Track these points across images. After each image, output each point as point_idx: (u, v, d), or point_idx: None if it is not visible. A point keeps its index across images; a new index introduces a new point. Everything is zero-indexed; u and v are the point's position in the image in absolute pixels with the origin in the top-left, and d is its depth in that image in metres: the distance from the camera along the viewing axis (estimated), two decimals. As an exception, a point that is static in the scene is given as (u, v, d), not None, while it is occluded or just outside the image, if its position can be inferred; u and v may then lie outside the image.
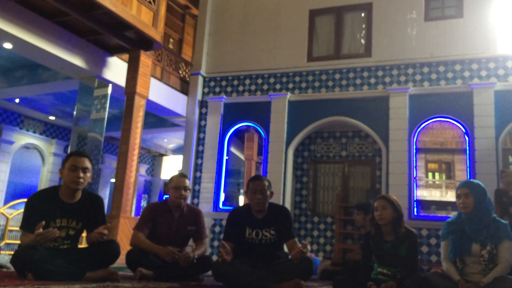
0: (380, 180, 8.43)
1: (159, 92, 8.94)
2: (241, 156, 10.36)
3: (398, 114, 8.08)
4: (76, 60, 7.22)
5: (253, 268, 3.22)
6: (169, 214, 3.70)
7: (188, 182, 3.74)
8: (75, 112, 8.20)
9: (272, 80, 9.18)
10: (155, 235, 3.64)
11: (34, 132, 12.02)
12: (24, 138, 11.71)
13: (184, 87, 9.84)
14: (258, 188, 3.47)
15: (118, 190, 7.28)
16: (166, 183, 13.23)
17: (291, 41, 9.20)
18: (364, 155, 9.04)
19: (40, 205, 3.01)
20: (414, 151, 7.97)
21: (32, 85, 9.09)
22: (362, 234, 5.34)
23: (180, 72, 9.96)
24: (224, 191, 9.26)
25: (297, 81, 8.99)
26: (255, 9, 9.71)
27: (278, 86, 9.09)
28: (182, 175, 3.79)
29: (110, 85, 7.95)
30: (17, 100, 10.51)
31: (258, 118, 9.04)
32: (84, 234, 3.28)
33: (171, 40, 11.51)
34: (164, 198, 13.10)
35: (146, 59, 7.72)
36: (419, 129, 8.04)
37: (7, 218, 6.64)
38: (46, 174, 12.26)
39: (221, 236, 3.85)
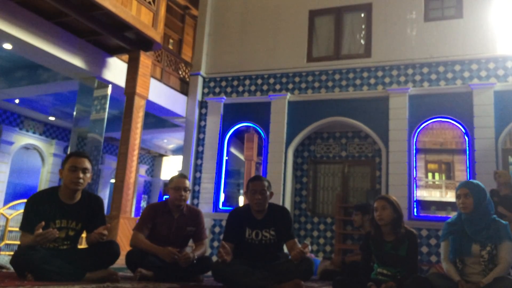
0: (380, 181, 8.43)
1: (159, 93, 8.94)
2: (241, 157, 10.36)
3: (398, 115, 8.08)
4: (76, 61, 7.22)
5: (253, 268, 3.22)
6: (169, 215, 3.70)
7: (188, 183, 3.74)
8: (75, 113, 8.20)
9: (271, 80, 9.18)
10: (155, 236, 3.64)
11: (34, 132, 12.02)
12: (24, 139, 11.71)
13: (184, 88, 9.84)
14: (257, 188, 3.47)
15: (118, 191, 7.27)
16: (166, 184, 13.22)
17: (291, 42, 9.20)
18: (364, 156, 9.04)
19: (40, 206, 3.01)
20: (414, 151, 7.97)
21: (32, 86, 9.09)
22: (362, 234, 5.34)
23: (180, 72, 9.96)
24: (224, 192, 9.26)
25: (297, 81, 8.99)
26: (255, 10, 9.72)
27: (277, 87, 9.09)
28: (182, 176, 3.79)
29: (110, 85, 7.95)
30: (17, 101, 10.51)
31: (258, 118, 9.04)
32: (84, 235, 3.28)
33: (171, 40, 11.51)
34: (164, 199, 13.11)
35: (146, 60, 7.72)
36: (419, 130, 8.04)
37: (7, 219, 6.63)
38: (46, 175, 12.26)
39: (221, 237, 3.85)
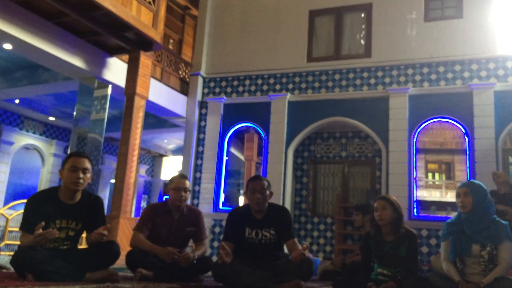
0: (380, 181, 8.43)
1: (159, 93, 8.94)
2: (241, 157, 10.36)
3: (398, 115, 8.08)
4: (76, 61, 7.22)
5: (253, 268, 3.22)
6: (169, 215, 3.70)
7: (188, 183, 3.74)
8: (75, 113, 8.20)
9: (272, 80, 9.18)
10: (155, 236, 3.63)
11: (34, 132, 12.02)
12: (24, 139, 11.71)
13: (184, 88, 9.84)
14: (257, 187, 3.47)
15: (118, 191, 7.27)
16: (166, 184, 13.22)
17: (291, 42, 9.20)
18: (364, 156, 9.04)
19: (40, 206, 3.01)
20: (414, 151, 7.97)
21: (32, 86, 9.09)
22: (362, 234, 5.34)
23: (180, 72, 9.96)
24: (224, 192, 9.26)
25: (297, 81, 8.99)
26: (255, 10, 9.72)
27: (278, 87, 9.09)
28: (182, 176, 3.78)
29: (110, 85, 7.95)
30: (17, 101, 10.51)
31: (258, 118, 9.04)
32: (84, 235, 3.28)
33: (171, 40, 11.51)
34: (164, 199, 13.10)
35: (146, 60, 7.72)
36: (419, 130, 8.04)
37: (7, 219, 6.63)
38: (46, 175, 12.26)
39: (221, 237, 3.85)
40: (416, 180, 7.90)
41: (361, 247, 3.65)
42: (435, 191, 8.43)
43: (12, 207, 7.27)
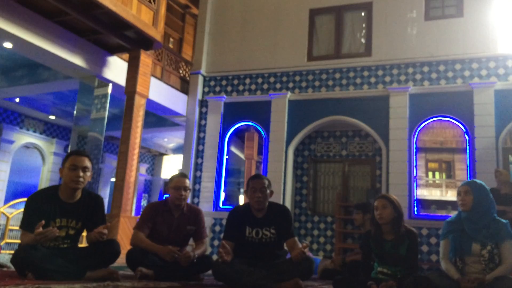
0: (380, 180, 8.43)
1: (159, 92, 8.94)
2: (241, 156, 10.36)
3: (398, 114, 8.08)
4: (76, 60, 7.22)
5: (253, 267, 3.22)
6: (169, 214, 3.70)
7: (188, 182, 3.74)
8: (75, 112, 8.20)
9: (272, 79, 9.18)
10: (155, 235, 3.64)
11: (34, 131, 12.02)
12: (24, 138, 11.71)
13: (184, 87, 9.84)
14: (258, 186, 3.47)
15: (118, 190, 7.28)
16: (166, 183, 13.23)
17: (291, 41, 9.20)
18: (364, 155, 9.04)
19: (40, 205, 3.01)
20: (414, 150, 7.97)
21: (32, 85, 9.08)
22: (362, 233, 5.34)
23: (180, 71, 9.96)
24: (224, 191, 9.26)
25: (297, 80, 8.99)
26: (255, 9, 9.71)
27: (278, 86, 9.09)
28: (182, 175, 3.78)
29: (110, 84, 7.95)
30: (17, 100, 10.51)
31: (258, 117, 9.04)
32: (84, 234, 3.28)
33: (171, 39, 11.51)
34: (164, 198, 13.09)
35: (146, 59, 7.72)
36: (419, 129, 8.04)
37: (8, 218, 6.64)
38: (46, 174, 12.27)
39: (221, 236, 3.85)
40: (416, 179, 7.90)
41: (361, 246, 3.64)
42: (435, 190, 8.44)
43: (13, 206, 7.28)
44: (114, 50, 7.85)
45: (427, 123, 8.07)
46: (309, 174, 9.28)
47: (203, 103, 9.63)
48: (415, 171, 7.90)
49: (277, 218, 3.54)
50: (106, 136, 9.32)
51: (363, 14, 8.96)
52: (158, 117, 10.61)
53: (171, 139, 13.86)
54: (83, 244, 4.20)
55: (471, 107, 7.70)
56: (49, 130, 12.42)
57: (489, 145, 7.46)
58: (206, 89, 9.69)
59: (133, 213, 7.57)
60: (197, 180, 9.26)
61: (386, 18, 8.62)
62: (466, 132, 7.73)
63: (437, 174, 8.59)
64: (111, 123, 9.40)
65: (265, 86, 9.19)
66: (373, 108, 8.31)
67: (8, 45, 6.83)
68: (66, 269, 2.83)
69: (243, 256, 3.38)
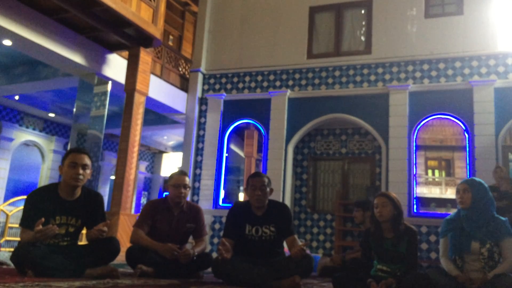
0: (380, 177, 8.44)
1: (159, 89, 8.93)
2: (241, 153, 10.36)
3: (398, 111, 8.08)
4: (76, 57, 7.21)
5: (253, 264, 3.22)
6: (168, 212, 3.70)
7: (188, 180, 3.74)
8: (74, 109, 8.19)
9: (272, 77, 9.17)
10: (155, 232, 3.64)
11: (34, 129, 12.01)
12: (24, 135, 11.71)
13: (184, 84, 9.83)
14: (257, 184, 3.48)
15: (118, 187, 7.28)
16: (166, 180, 13.22)
17: (291, 38, 9.19)
18: (364, 152, 9.04)
19: (40, 202, 3.01)
20: (414, 148, 7.97)
21: (32, 82, 9.08)
22: (362, 231, 5.34)
23: (180, 69, 9.95)
24: (224, 188, 9.26)
25: (297, 78, 8.98)
26: (255, 6, 9.70)
27: (278, 83, 9.08)
28: (182, 173, 3.79)
29: (110, 82, 7.95)
30: (16, 97, 10.51)
31: (258, 115, 9.04)
32: (84, 231, 3.28)
33: (170, 37, 11.49)
34: (164, 195, 13.10)
35: (145, 56, 7.70)
36: (419, 126, 8.04)
37: (7, 215, 6.63)
38: (46, 171, 12.27)
39: (221, 233, 3.85)
40: (416, 177, 7.90)
41: (361, 244, 3.65)
42: (435, 188, 8.43)
43: (12, 204, 7.27)
44: (114, 47, 7.84)
45: (427, 121, 8.07)
46: (309, 172, 9.28)
47: (202, 101, 9.62)
48: (414, 169, 7.90)
49: (276, 216, 3.54)
50: (105, 134, 9.30)
51: (363, 11, 8.95)
52: (157, 115, 10.60)
53: (171, 136, 13.86)
54: (82, 241, 4.20)
55: (471, 105, 7.70)
56: (49, 128, 12.42)
57: (488, 143, 7.46)
58: (206, 87, 9.68)
59: (132, 211, 7.57)
60: (196, 178, 9.26)
61: (386, 16, 8.61)
62: (466, 130, 7.73)
63: (436, 172, 8.58)
64: (111, 121, 9.40)
65: (265, 83, 9.19)
66: (373, 106, 8.30)
67: (7, 42, 6.82)
68: (65, 267, 2.83)
69: (242, 253, 3.38)
